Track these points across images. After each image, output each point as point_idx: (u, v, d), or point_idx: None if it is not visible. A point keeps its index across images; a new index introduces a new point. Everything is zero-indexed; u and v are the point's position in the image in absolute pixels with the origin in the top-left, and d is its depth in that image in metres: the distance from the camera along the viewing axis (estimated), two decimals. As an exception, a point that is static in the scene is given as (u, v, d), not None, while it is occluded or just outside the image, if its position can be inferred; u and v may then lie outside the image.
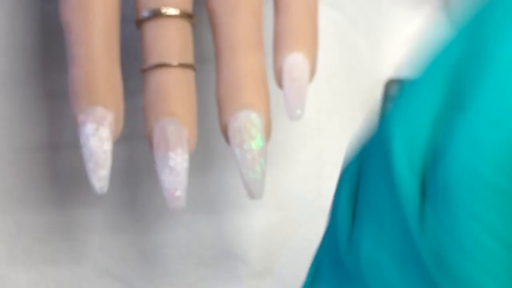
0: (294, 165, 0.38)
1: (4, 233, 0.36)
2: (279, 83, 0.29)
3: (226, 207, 0.37)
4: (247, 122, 0.27)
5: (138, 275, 0.35)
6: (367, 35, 0.41)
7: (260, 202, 0.37)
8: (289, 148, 0.38)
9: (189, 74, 0.28)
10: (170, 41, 0.27)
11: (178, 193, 0.27)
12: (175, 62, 0.27)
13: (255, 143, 0.27)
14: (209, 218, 0.36)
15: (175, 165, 0.27)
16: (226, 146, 0.28)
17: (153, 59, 0.28)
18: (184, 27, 0.28)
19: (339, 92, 0.39)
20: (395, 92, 0.40)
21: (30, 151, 0.38)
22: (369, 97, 0.40)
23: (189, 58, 0.28)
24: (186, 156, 0.27)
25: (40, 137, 0.38)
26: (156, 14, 0.27)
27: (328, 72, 0.40)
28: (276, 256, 0.36)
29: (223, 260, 0.36)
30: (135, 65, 0.40)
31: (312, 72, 0.29)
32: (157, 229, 0.36)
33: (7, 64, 0.40)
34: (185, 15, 0.28)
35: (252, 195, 0.28)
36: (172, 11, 0.28)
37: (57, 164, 0.38)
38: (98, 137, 0.26)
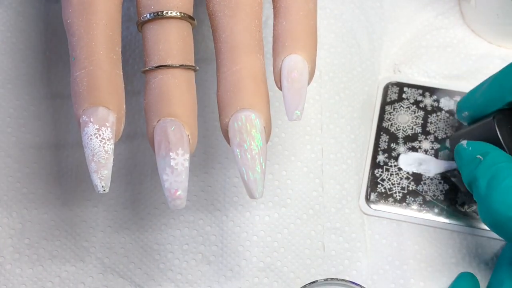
0: (296, 162, 0.38)
1: (10, 229, 0.37)
2: (279, 84, 0.29)
3: (228, 205, 0.37)
4: (247, 122, 0.27)
5: (141, 272, 0.36)
6: (369, 38, 0.41)
7: (262, 199, 0.37)
8: (291, 146, 0.38)
9: (190, 75, 0.28)
10: (171, 42, 0.28)
11: (179, 192, 0.27)
12: (176, 63, 0.28)
13: (255, 143, 0.27)
14: (211, 215, 0.37)
15: (176, 165, 0.27)
16: (227, 145, 0.28)
17: (154, 60, 0.28)
18: (185, 29, 0.28)
19: (340, 93, 0.40)
20: (394, 95, 0.40)
21: (36, 149, 0.38)
22: (368, 98, 0.40)
23: (189, 59, 0.28)
24: (187, 156, 0.27)
25: (46, 136, 0.39)
26: (158, 16, 0.28)
27: (331, 73, 0.40)
28: (278, 253, 0.36)
29: (224, 257, 0.36)
30: (137, 66, 0.40)
31: (311, 74, 0.29)
32: (160, 227, 0.36)
33: (15, 64, 0.40)
34: (185, 17, 0.28)
35: (252, 195, 0.28)
36: (173, 13, 0.28)
37: (62, 162, 0.38)
38: (100, 138, 0.26)
